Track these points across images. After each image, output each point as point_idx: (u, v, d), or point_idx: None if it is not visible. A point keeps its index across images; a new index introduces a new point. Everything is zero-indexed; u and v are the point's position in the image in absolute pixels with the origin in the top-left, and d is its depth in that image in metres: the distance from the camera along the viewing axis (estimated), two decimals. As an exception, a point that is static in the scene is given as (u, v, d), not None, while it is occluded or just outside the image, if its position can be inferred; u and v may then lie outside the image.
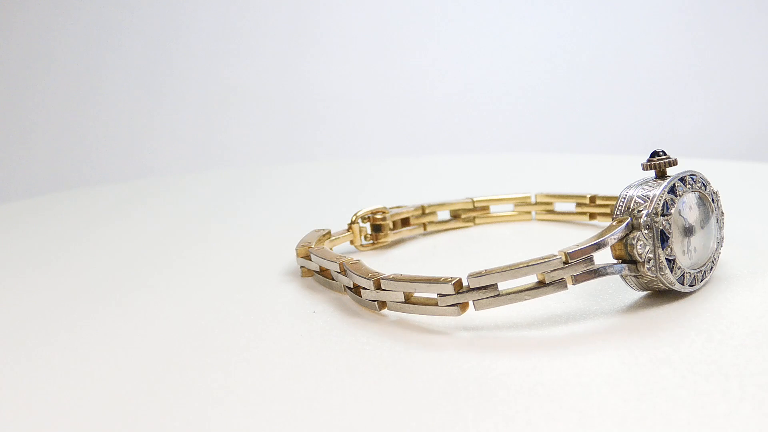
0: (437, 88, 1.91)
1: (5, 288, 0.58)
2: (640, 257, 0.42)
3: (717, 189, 0.48)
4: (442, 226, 0.67)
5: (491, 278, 0.41)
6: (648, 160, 0.46)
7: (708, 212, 0.46)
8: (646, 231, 0.42)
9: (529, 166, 1.04)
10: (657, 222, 0.43)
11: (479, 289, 0.41)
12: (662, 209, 0.43)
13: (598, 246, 0.42)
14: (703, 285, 0.45)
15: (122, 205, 0.92)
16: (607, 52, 1.89)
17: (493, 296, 0.41)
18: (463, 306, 0.42)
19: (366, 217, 0.62)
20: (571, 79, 1.88)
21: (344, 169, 1.11)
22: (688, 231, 0.45)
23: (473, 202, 0.68)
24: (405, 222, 0.65)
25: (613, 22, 1.90)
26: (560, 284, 0.41)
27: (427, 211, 0.66)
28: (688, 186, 0.45)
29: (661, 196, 0.43)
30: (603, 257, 0.44)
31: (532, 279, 0.42)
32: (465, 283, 0.42)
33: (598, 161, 1.05)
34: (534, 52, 1.89)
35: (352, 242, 0.62)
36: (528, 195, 0.68)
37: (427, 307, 0.43)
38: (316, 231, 0.60)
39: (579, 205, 0.65)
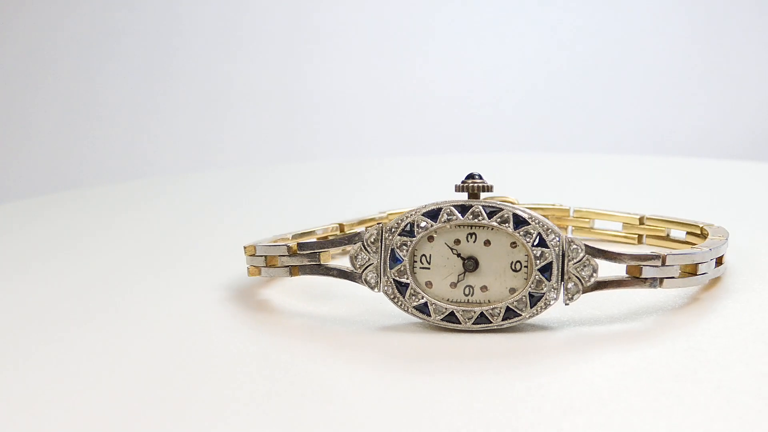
0: (437, 88, 1.88)
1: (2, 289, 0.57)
2: (354, 269, 0.42)
3: (571, 237, 0.41)
4: (605, 236, 0.63)
5: (258, 250, 0.47)
6: (462, 182, 0.43)
7: (518, 255, 0.41)
8: (371, 245, 0.42)
9: (530, 166, 1.02)
10: (388, 240, 0.42)
11: (260, 257, 0.47)
12: (403, 229, 0.42)
13: (322, 245, 0.44)
14: (489, 328, 0.41)
15: (121, 205, 0.90)
16: (608, 52, 1.87)
17: (264, 267, 0.47)
18: (251, 270, 0.48)
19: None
20: (571, 79, 1.87)
21: (344, 169, 1.06)
22: (466, 265, 0.42)
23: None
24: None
25: (613, 21, 1.89)
26: (285, 271, 0.45)
27: (578, 214, 0.63)
28: (473, 217, 0.41)
29: (407, 216, 0.42)
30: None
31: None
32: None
33: (598, 161, 1.05)
34: (533, 52, 1.88)
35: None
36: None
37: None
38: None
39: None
